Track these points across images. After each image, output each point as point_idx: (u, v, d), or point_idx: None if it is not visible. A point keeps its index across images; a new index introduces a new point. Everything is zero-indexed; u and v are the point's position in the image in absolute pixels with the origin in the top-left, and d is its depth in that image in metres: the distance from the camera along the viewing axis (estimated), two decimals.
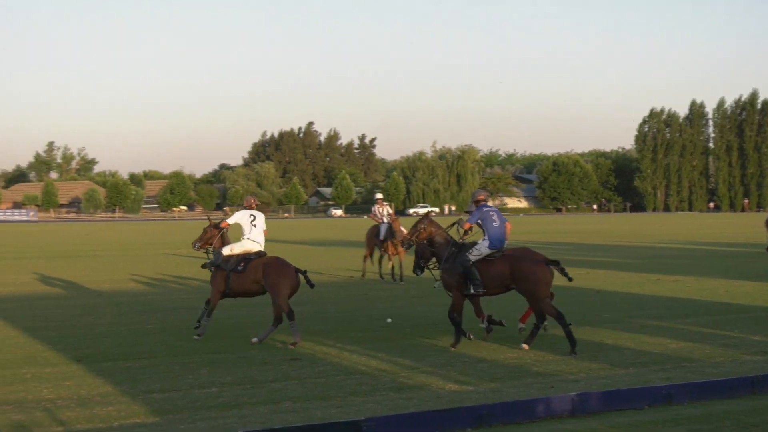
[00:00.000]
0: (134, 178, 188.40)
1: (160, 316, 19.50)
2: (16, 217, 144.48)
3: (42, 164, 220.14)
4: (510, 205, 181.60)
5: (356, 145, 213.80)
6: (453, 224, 16.80)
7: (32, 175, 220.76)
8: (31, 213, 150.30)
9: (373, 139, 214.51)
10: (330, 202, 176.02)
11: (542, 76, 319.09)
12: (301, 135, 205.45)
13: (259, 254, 16.97)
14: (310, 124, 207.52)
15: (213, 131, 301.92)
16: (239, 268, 16.62)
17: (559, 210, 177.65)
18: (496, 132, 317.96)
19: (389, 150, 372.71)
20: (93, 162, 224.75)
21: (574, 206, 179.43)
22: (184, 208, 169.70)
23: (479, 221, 16.12)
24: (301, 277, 16.30)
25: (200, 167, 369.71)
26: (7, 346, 15.78)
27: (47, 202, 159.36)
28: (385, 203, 28.17)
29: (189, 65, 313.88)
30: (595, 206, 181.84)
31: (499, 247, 15.84)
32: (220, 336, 16.78)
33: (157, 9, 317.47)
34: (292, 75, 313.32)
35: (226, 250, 16.99)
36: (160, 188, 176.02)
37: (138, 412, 10.98)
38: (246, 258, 16.80)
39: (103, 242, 56.85)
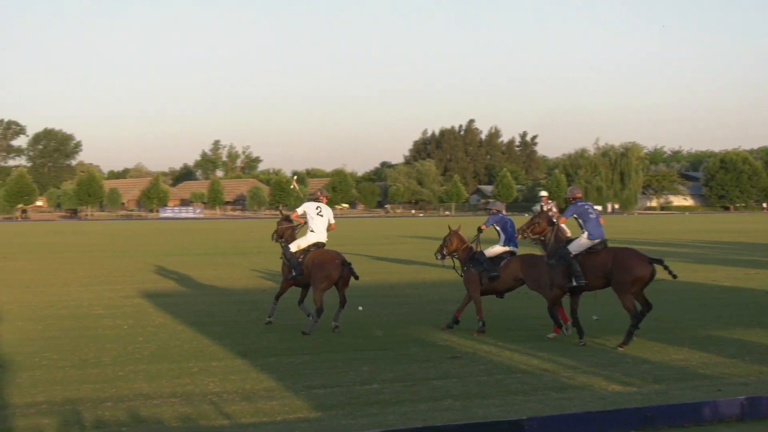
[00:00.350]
0: (297, 176, 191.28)
1: (323, 313, 19.68)
2: (183, 215, 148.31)
3: (208, 162, 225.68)
4: (675, 204, 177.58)
5: (517, 143, 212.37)
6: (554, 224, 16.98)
7: (199, 173, 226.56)
8: (198, 210, 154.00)
9: (534, 137, 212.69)
10: (491, 200, 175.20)
11: (708, 71, 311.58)
12: (462, 133, 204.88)
13: (317, 245, 17.75)
14: (471, 121, 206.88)
15: (375, 129, 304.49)
16: (300, 259, 17.48)
17: (726, 208, 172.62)
18: (661, 129, 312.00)
19: (551, 147, 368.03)
20: (257, 160, 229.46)
21: (743, 204, 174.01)
22: (346, 205, 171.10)
23: (575, 216, 16.49)
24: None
25: (362, 165, 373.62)
26: (175, 341, 16.19)
27: (213, 199, 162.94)
28: (550, 201, 27.86)
29: (350, 64, 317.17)
30: (765, 204, 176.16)
31: (599, 237, 16.08)
32: (382, 334, 16.87)
33: (321, 8, 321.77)
34: (453, 73, 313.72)
35: (293, 247, 17.80)
36: (324, 186, 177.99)
37: (301, 407, 11.12)
38: (306, 250, 17.61)
39: (266, 239, 57.68)
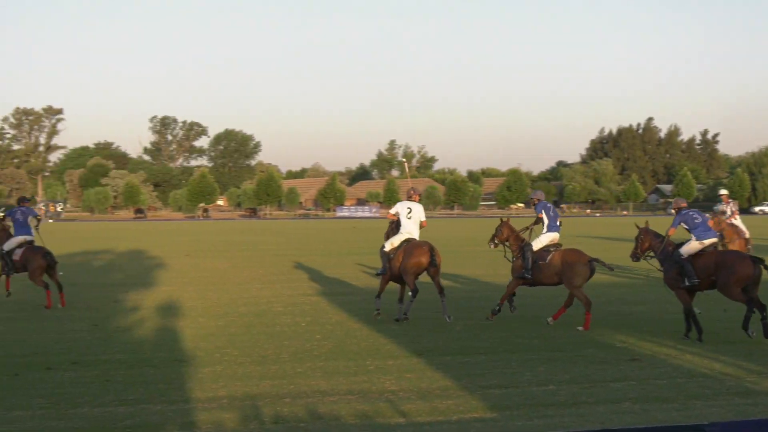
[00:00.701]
0: (472, 176, 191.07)
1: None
2: (359, 214, 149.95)
3: (384, 162, 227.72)
4: None
5: (698, 141, 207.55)
6: (664, 238, 17.62)
7: (374, 172, 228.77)
8: (374, 209, 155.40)
9: (716, 135, 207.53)
10: (670, 200, 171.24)
11: None
12: (641, 131, 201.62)
13: (407, 241, 18.74)
14: (650, 119, 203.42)
15: (550, 128, 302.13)
16: (391, 255, 18.68)
17: None
18: None
19: (733, 145, 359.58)
20: (432, 159, 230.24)
21: None
22: (521, 205, 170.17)
23: (682, 224, 17.27)
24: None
25: (537, 164, 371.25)
26: (351, 338, 16.37)
27: (389, 198, 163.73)
28: (731, 200, 27.13)
29: (526, 63, 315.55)
30: None
31: (710, 237, 16.92)
32: (557, 334, 16.72)
33: (498, 9, 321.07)
34: (631, 71, 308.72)
35: (387, 246, 18.94)
36: (498, 185, 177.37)
37: (476, 407, 11.09)
38: (398, 247, 18.73)
39: (440, 239, 57.71)
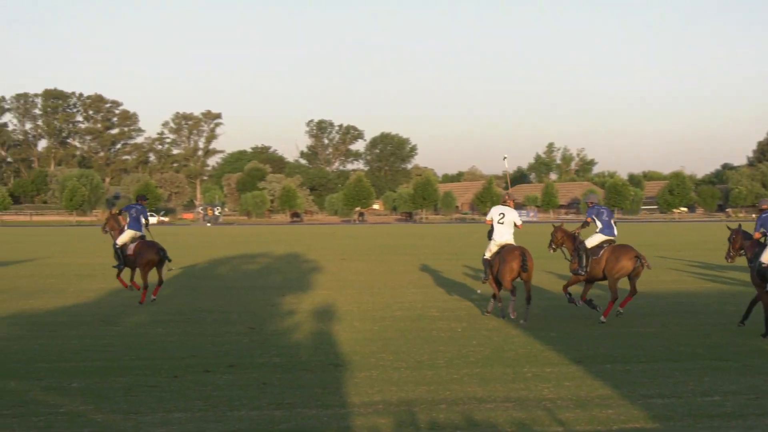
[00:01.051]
0: (633, 179, 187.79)
1: (660, 319, 19.13)
2: None
3: (542, 165, 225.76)
4: None
5: None
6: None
7: (532, 176, 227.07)
8: (531, 213, 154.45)
9: None
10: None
11: None
12: None
13: (503, 247, 19.70)
14: None
15: (715, 130, 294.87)
16: (492, 262, 19.83)
17: None
18: None
19: None
20: (592, 162, 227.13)
21: None
22: (685, 209, 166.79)
23: (763, 228, 17.44)
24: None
25: (702, 167, 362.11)
26: (508, 345, 16.17)
27: (547, 202, 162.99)
28: None
29: (683, 60, 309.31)
30: None
31: None
32: (722, 343, 16.21)
33: (649, 10, 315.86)
34: None
35: (487, 253, 20.10)
36: (660, 189, 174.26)
37: (637, 416, 10.82)
38: (497, 252, 19.78)
39: None
